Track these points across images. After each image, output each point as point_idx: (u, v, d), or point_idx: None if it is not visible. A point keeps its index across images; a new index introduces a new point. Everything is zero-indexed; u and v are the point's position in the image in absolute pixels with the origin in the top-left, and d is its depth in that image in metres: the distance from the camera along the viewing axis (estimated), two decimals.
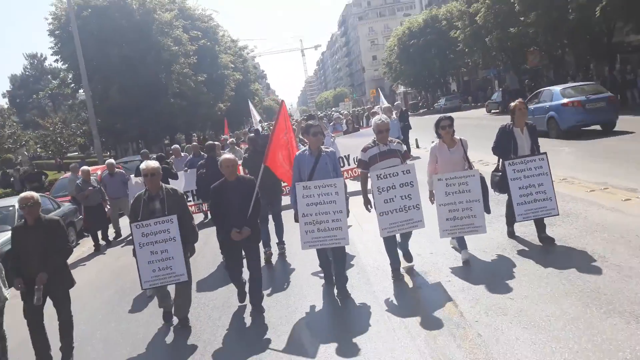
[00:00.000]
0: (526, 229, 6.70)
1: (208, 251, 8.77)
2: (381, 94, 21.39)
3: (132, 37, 30.43)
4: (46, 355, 5.31)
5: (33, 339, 5.29)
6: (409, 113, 20.38)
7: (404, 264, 6.25)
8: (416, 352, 4.34)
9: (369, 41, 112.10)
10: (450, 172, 6.08)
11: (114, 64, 29.69)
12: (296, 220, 5.92)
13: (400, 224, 5.83)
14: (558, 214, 6.32)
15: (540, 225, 6.41)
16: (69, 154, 38.14)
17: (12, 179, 24.89)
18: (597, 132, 15.69)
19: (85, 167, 12.20)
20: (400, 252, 6.26)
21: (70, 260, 6.23)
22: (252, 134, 9.64)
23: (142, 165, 5.81)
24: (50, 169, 31.92)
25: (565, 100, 15.69)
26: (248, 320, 5.77)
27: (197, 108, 35.93)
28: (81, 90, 31.79)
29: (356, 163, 10.65)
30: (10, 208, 10.76)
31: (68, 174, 15.29)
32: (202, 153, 12.34)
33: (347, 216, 5.87)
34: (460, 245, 6.30)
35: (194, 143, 15.11)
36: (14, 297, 5.71)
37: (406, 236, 6.24)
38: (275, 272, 7.36)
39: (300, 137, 9.63)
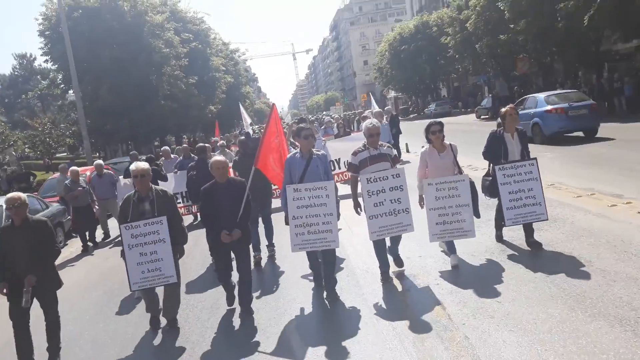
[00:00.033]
0: (514, 234, 6.77)
1: (197, 253, 8.75)
2: (372, 98, 21.50)
3: (123, 39, 30.31)
4: (29, 358, 5.25)
5: (17, 340, 5.24)
6: (400, 118, 20.45)
7: (393, 267, 6.30)
8: (404, 354, 4.38)
9: (360, 46, 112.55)
10: (441, 177, 6.12)
11: (105, 65, 29.54)
12: (287, 223, 5.92)
13: (389, 228, 5.87)
14: (547, 219, 6.39)
15: (528, 230, 6.48)
16: (57, 155, 37.77)
17: None
18: (580, 138, 16.08)
19: (74, 168, 12.13)
20: (390, 258, 6.28)
21: (58, 261, 6.20)
22: (243, 137, 9.67)
23: (132, 167, 5.79)
24: (38, 169, 31.70)
25: (549, 107, 16.16)
26: (237, 322, 5.77)
27: (187, 110, 35.82)
28: (71, 91, 31.61)
29: (346, 167, 10.69)
30: None
31: (57, 174, 15.19)
32: (192, 155, 12.34)
33: (338, 219, 5.91)
34: (450, 250, 6.35)
35: (184, 145, 15.07)
36: None
37: (396, 241, 6.26)
38: (265, 275, 7.37)
39: (292, 140, 9.67)
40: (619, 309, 4.44)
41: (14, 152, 34.77)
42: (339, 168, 12.04)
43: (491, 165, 6.68)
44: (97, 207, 11.94)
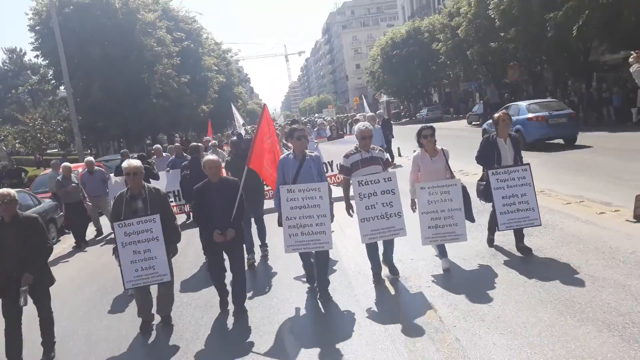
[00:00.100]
0: (505, 239, 6.87)
1: (191, 252, 8.76)
2: (365, 102, 21.62)
3: (115, 36, 30.13)
4: (17, 356, 5.22)
5: (7, 337, 5.21)
6: (392, 122, 20.58)
7: (386, 270, 6.33)
8: (396, 355, 4.45)
9: (353, 50, 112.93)
10: (433, 181, 6.19)
11: (96, 62, 29.35)
12: (279, 224, 5.94)
13: (381, 231, 5.90)
14: (540, 224, 6.46)
15: (518, 235, 6.58)
16: (48, 151, 37.49)
17: None
18: (560, 145, 16.81)
19: (66, 164, 12.10)
20: (386, 268, 6.29)
21: (51, 257, 6.16)
22: (235, 138, 9.69)
23: (125, 164, 5.78)
24: (29, 165, 31.41)
25: (530, 115, 16.82)
26: (230, 320, 5.80)
27: (179, 109, 35.69)
28: (62, 87, 31.36)
29: (338, 169, 10.75)
30: None
31: (49, 170, 15.10)
32: (184, 154, 12.34)
33: (332, 221, 5.95)
34: (441, 253, 6.42)
35: (177, 144, 15.03)
36: None
37: (389, 248, 6.25)
38: (258, 275, 7.41)
39: (284, 141, 9.71)
40: (607, 314, 4.54)
41: (4, 147, 34.38)
42: (332, 170, 12.12)
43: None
44: (89, 203, 11.88)
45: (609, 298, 4.85)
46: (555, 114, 16.83)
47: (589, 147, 16.09)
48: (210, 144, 15.12)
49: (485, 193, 6.59)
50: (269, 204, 8.49)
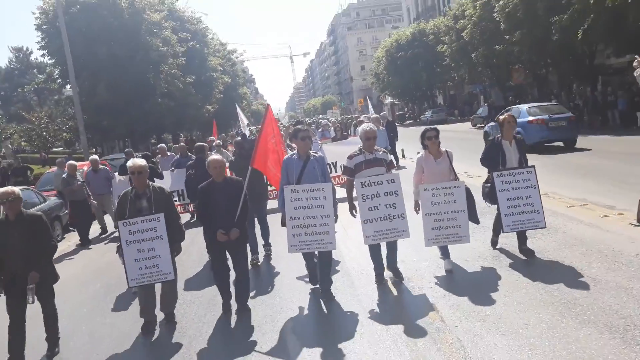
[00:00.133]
0: (507, 241, 6.89)
1: (195, 250, 8.81)
2: (370, 103, 21.62)
3: (121, 36, 30.27)
4: (19, 355, 5.23)
5: (11, 334, 5.24)
6: (396, 124, 20.60)
7: (388, 271, 6.35)
8: (398, 354, 4.48)
9: (358, 51, 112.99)
10: (437, 183, 6.21)
11: (102, 61, 29.49)
12: (283, 224, 5.96)
13: (384, 233, 5.91)
14: (545, 227, 6.46)
15: (521, 238, 6.59)
16: (54, 149, 37.62)
17: None
18: (559, 148, 16.98)
19: (72, 162, 12.19)
20: (390, 273, 6.26)
21: (55, 255, 6.22)
22: (239, 138, 9.73)
23: (130, 163, 5.80)
24: (34, 163, 31.49)
25: (530, 118, 16.95)
26: (233, 318, 5.83)
27: (185, 109, 35.82)
28: (68, 86, 31.50)
29: (342, 170, 10.78)
30: None
31: (54, 168, 15.19)
32: (189, 154, 12.40)
33: (336, 221, 5.96)
34: (444, 255, 6.44)
35: (182, 144, 15.09)
36: None
37: (393, 251, 6.20)
38: (261, 274, 7.44)
39: (288, 142, 9.74)
40: (609, 317, 4.56)
41: (10, 146, 34.54)
42: (335, 171, 12.13)
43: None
44: (93, 202, 11.93)
45: (611, 300, 4.87)
46: (555, 117, 17.09)
47: (588, 150, 16.30)
48: (214, 144, 15.17)
49: (490, 195, 6.58)
50: (272, 204, 8.53)
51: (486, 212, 7.26)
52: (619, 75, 26.68)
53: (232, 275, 6.02)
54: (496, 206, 6.45)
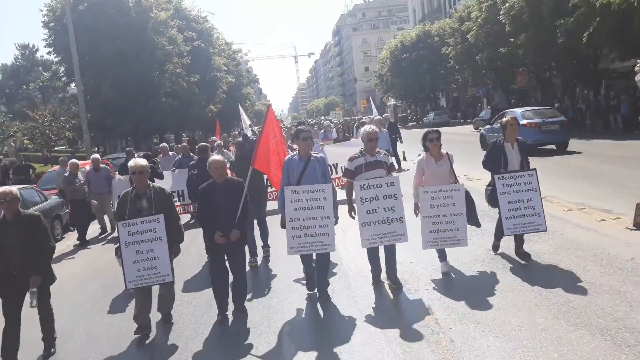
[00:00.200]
0: (504, 244, 6.91)
1: (194, 250, 8.86)
2: (373, 104, 21.60)
3: (127, 35, 30.38)
4: (12, 356, 5.21)
5: (5, 336, 5.21)
6: (398, 126, 20.61)
7: (385, 272, 6.37)
8: (392, 356, 4.53)
9: (362, 52, 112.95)
10: (436, 186, 6.22)
11: (108, 59, 29.59)
12: (283, 226, 5.97)
13: (382, 236, 5.89)
14: (546, 230, 6.45)
15: (518, 241, 6.62)
16: (56, 148, 37.77)
17: None
18: (552, 151, 17.57)
19: (74, 161, 12.23)
20: (386, 282, 6.21)
21: (54, 254, 6.24)
22: (240, 139, 9.79)
23: (131, 163, 5.74)
24: (37, 161, 31.71)
25: (524, 122, 17.05)
26: (230, 319, 5.86)
27: (188, 108, 35.87)
28: (73, 84, 31.64)
29: (342, 172, 10.81)
30: None
31: (56, 167, 15.28)
32: (191, 154, 12.45)
33: (336, 223, 5.98)
34: (441, 257, 6.46)
35: (184, 144, 15.13)
36: None
37: (391, 259, 6.12)
38: (259, 275, 7.49)
39: (290, 143, 9.80)
40: (601, 320, 4.60)
41: (12, 144, 34.72)
42: (336, 173, 12.16)
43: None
44: (94, 201, 11.96)
45: (604, 303, 4.91)
46: (548, 121, 17.65)
47: (578, 153, 16.87)
48: (215, 144, 15.22)
49: (491, 198, 6.59)
50: (271, 205, 8.59)
51: (484, 215, 7.30)
52: (622, 80, 26.63)
53: (230, 277, 6.02)
54: (497, 210, 6.45)
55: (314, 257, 6.10)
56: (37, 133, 33.59)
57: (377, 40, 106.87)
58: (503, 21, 27.87)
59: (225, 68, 45.88)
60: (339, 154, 12.11)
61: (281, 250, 6.86)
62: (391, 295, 5.93)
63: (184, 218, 11.44)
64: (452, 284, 6.06)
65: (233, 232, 5.64)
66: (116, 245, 5.87)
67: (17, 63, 71.82)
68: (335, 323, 5.45)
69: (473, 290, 5.72)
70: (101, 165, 12.38)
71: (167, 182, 11.03)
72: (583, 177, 12.17)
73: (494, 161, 6.64)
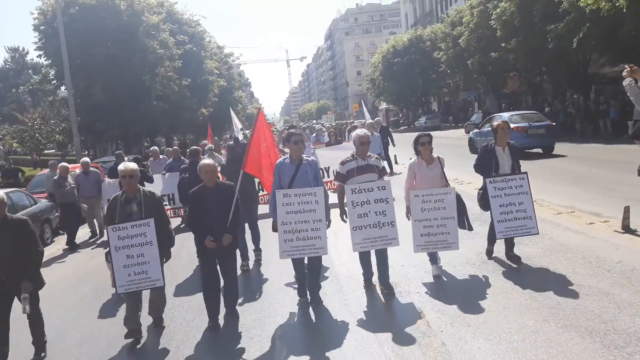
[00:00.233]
0: (495, 247, 6.90)
1: (184, 254, 8.83)
2: (365, 108, 21.64)
3: (118, 38, 30.31)
4: None
5: None
6: (390, 129, 20.70)
7: (376, 276, 6.35)
8: (383, 357, 4.55)
9: (354, 56, 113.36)
10: (427, 189, 6.24)
11: (99, 63, 29.51)
12: (274, 230, 5.96)
13: (373, 240, 5.88)
14: (538, 233, 6.49)
15: (509, 244, 6.65)
16: (46, 151, 37.50)
17: None
18: (539, 154, 18.02)
19: (63, 164, 12.16)
20: (378, 286, 6.17)
21: (44, 258, 6.19)
22: (231, 142, 9.79)
23: (121, 167, 5.69)
24: (26, 165, 31.42)
25: (511, 126, 17.05)
26: (221, 322, 5.82)
27: (179, 112, 35.80)
28: (63, 87, 31.48)
29: (334, 175, 10.81)
30: None
31: (46, 170, 15.17)
32: (182, 158, 12.42)
33: (328, 226, 5.97)
34: (432, 260, 6.47)
35: (175, 147, 15.08)
36: None
37: (383, 265, 6.05)
38: (251, 279, 7.47)
39: (281, 147, 9.80)
40: (590, 322, 4.64)
41: (1, 147, 34.42)
42: (328, 176, 12.17)
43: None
44: (84, 205, 11.88)
45: (593, 306, 4.95)
46: (535, 125, 18.18)
47: (564, 156, 17.42)
48: (206, 147, 15.18)
49: (483, 201, 6.62)
50: (263, 209, 8.58)
51: (475, 218, 7.33)
52: (612, 85, 26.91)
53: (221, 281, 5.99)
54: (488, 213, 6.47)
55: (306, 261, 6.08)
56: (27, 136, 33.36)
57: (369, 45, 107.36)
58: (494, 26, 28.11)
59: (217, 71, 45.84)
60: (330, 158, 12.13)
61: (273, 254, 6.87)
62: (383, 299, 5.94)
63: (175, 222, 11.38)
64: (443, 287, 6.08)
65: (225, 237, 5.59)
66: (106, 250, 5.81)
67: (7, 66, 71.34)
68: (327, 326, 5.45)
69: (464, 293, 5.74)
70: (91, 168, 12.31)
71: (157, 185, 10.98)
72: (573, 181, 12.28)
73: (485, 165, 6.67)
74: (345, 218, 6.16)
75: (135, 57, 30.65)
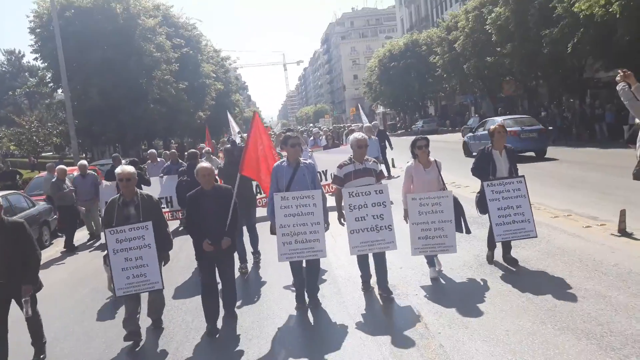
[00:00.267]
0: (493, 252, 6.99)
1: (183, 256, 8.85)
2: (362, 111, 21.70)
3: (115, 41, 30.29)
4: None
5: None
6: (387, 133, 20.79)
7: (374, 278, 6.36)
8: (381, 359, 4.57)
9: (351, 60, 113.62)
10: (425, 192, 6.27)
11: (95, 66, 29.50)
12: (272, 232, 5.98)
13: (371, 244, 5.89)
14: (536, 236, 6.50)
15: (506, 247, 6.70)
16: (43, 154, 37.38)
17: None
18: (531, 157, 18.14)
19: (61, 167, 12.15)
20: (376, 289, 6.18)
21: (43, 260, 6.21)
22: (229, 145, 9.82)
23: (118, 170, 5.70)
24: (23, 167, 31.36)
25: None
26: (220, 324, 5.85)
27: (176, 115, 35.80)
28: (60, 90, 31.44)
29: (332, 179, 10.84)
30: None
31: (44, 173, 15.16)
32: (180, 160, 12.43)
33: (327, 229, 5.98)
34: (429, 263, 6.51)
35: (173, 150, 15.07)
36: None
37: (381, 269, 6.03)
38: (249, 281, 7.50)
39: (279, 150, 9.83)
40: (587, 324, 4.68)
41: None
42: (326, 180, 12.21)
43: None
44: (82, 208, 11.89)
45: (590, 308, 5.00)
46: (527, 129, 18.49)
47: (555, 159, 17.69)
48: (204, 151, 15.18)
49: (480, 204, 6.64)
50: (261, 211, 8.60)
51: (472, 221, 7.37)
52: (607, 89, 27.09)
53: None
54: (488, 219, 6.48)
55: (304, 264, 6.09)
56: (24, 139, 33.22)
57: (365, 49, 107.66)
58: (489, 31, 28.24)
59: (213, 75, 45.89)
60: (328, 161, 12.16)
61: (271, 256, 6.89)
62: (381, 301, 5.97)
63: (173, 224, 11.40)
64: (441, 289, 6.12)
65: (224, 240, 5.60)
66: (104, 253, 5.81)
67: (3, 69, 71.11)
68: (325, 328, 5.48)
69: (461, 296, 5.79)
70: (88, 171, 12.31)
71: (155, 188, 10.97)
72: (569, 185, 12.35)
73: (483, 168, 6.68)
74: (343, 221, 6.17)
75: (132, 60, 30.64)
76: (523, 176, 6.53)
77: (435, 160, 6.51)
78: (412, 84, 53.19)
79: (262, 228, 7.69)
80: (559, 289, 5.59)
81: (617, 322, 4.63)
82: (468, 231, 6.56)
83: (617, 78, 6.61)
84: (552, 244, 7.26)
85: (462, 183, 12.20)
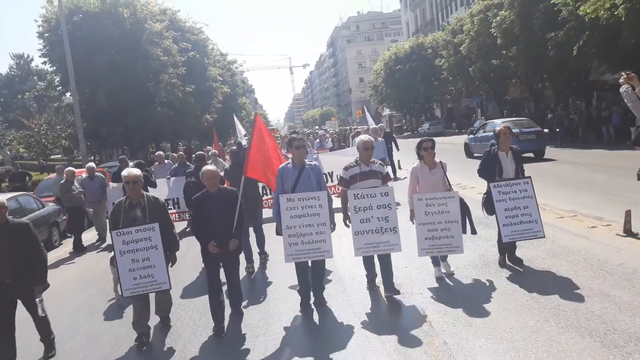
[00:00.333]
0: (495, 249, 6.99)
1: (190, 256, 8.93)
2: (368, 114, 21.76)
3: (122, 45, 30.57)
4: None
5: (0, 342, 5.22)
6: (394, 135, 20.86)
7: (379, 277, 6.39)
8: (386, 357, 4.63)
9: (357, 63, 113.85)
10: (431, 193, 6.29)
11: (103, 70, 29.76)
12: (277, 233, 6.02)
13: (375, 245, 5.91)
14: (544, 237, 6.50)
15: (511, 247, 6.73)
16: (52, 156, 37.75)
17: None
18: (530, 158, 18.36)
19: (70, 168, 12.26)
20: (382, 288, 6.20)
21: (52, 260, 6.30)
22: (235, 147, 9.91)
23: (124, 172, 5.73)
24: (33, 169, 31.68)
25: None
26: (226, 322, 5.91)
27: (184, 118, 36.05)
28: (68, 94, 31.72)
29: (338, 180, 10.89)
30: None
31: (53, 174, 15.32)
32: (187, 163, 12.54)
33: (333, 230, 6.01)
34: (435, 262, 6.55)
35: (180, 153, 15.18)
36: None
37: (387, 270, 6.02)
38: (256, 280, 7.57)
39: (285, 152, 9.90)
40: (590, 322, 4.72)
41: (8, 152, 34.65)
42: (332, 181, 12.26)
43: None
44: (90, 209, 12.00)
45: (594, 307, 5.03)
46: (526, 131, 19.16)
47: (554, 160, 18.23)
48: (210, 153, 15.27)
49: (487, 205, 6.66)
50: (267, 213, 8.67)
51: (478, 222, 7.40)
52: (613, 91, 26.97)
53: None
54: (494, 219, 6.49)
55: (310, 264, 6.10)
56: (33, 141, 33.57)
57: (371, 52, 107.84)
58: (495, 34, 28.26)
59: (220, 78, 46.12)
60: (334, 162, 12.21)
61: (278, 257, 6.95)
62: (386, 300, 6.02)
63: (181, 225, 11.49)
64: (445, 288, 6.16)
65: (232, 242, 5.64)
66: (111, 254, 5.86)
67: (12, 72, 71.82)
68: (330, 327, 5.52)
69: (466, 294, 5.83)
70: (96, 173, 12.43)
71: (162, 190, 11.09)
72: (575, 186, 12.35)
73: (489, 170, 6.71)
74: (348, 223, 6.19)
75: (139, 64, 30.89)
76: (529, 177, 6.54)
77: (441, 162, 6.55)
78: (417, 86, 53.19)
79: (269, 229, 7.76)
80: (564, 288, 5.62)
81: (621, 320, 4.67)
82: (474, 232, 6.59)
83: (621, 80, 6.64)
84: (557, 244, 7.28)
85: (468, 184, 12.23)
